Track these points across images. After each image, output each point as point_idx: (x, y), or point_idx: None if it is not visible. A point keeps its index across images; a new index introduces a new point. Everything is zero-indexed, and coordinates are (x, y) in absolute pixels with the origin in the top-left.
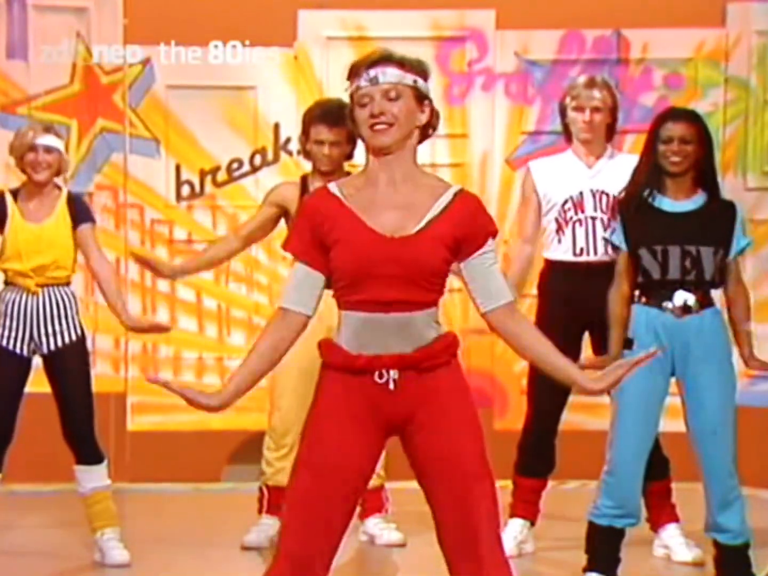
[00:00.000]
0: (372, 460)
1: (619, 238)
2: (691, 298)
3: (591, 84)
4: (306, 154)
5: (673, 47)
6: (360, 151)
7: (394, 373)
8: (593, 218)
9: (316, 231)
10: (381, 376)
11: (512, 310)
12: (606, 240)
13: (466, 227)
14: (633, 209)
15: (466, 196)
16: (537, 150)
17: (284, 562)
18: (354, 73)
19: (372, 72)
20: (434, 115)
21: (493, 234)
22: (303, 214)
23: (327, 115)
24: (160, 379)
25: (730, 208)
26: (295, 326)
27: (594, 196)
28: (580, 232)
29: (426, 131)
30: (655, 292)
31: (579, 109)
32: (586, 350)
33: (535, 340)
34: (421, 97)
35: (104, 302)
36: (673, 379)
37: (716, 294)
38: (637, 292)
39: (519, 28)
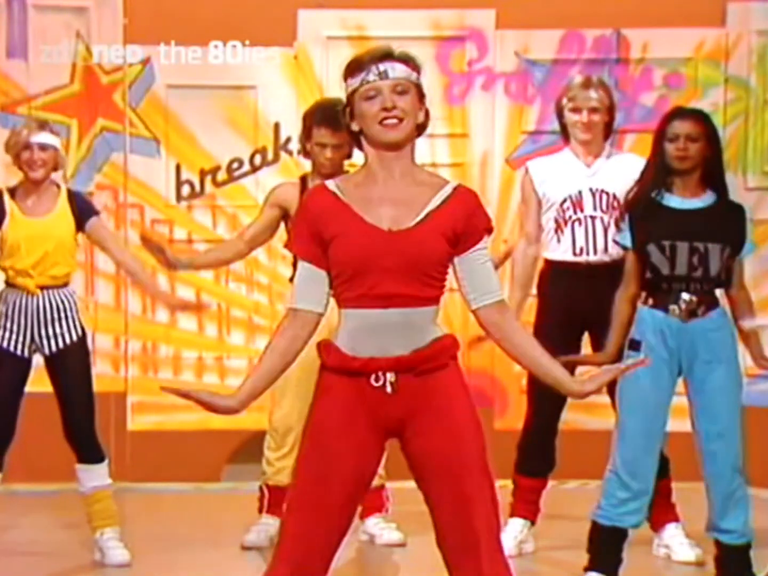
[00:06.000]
0: (372, 463)
1: (627, 239)
2: (695, 301)
3: (587, 84)
4: (306, 154)
5: (673, 47)
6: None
7: (390, 376)
8: (592, 217)
9: (315, 228)
10: (377, 379)
11: (502, 309)
12: (616, 242)
13: (464, 222)
14: (642, 208)
15: (465, 192)
16: (537, 150)
17: (284, 565)
18: (357, 68)
19: (381, 66)
20: (428, 115)
21: (489, 231)
22: (301, 212)
23: (330, 117)
24: (176, 388)
25: (738, 209)
26: (307, 325)
27: (593, 195)
28: (579, 231)
29: (419, 131)
30: (662, 292)
31: (576, 110)
32: (586, 350)
33: (523, 341)
34: (421, 95)
35: (104, 302)
36: (679, 379)
37: (718, 293)
38: (643, 293)
39: (519, 28)
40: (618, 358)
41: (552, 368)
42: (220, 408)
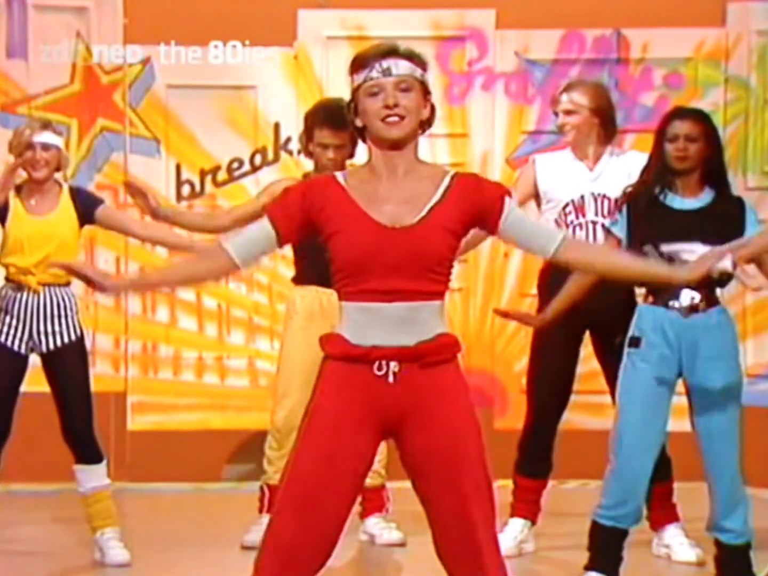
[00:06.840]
0: (366, 457)
1: (620, 229)
2: (697, 297)
3: (567, 87)
4: (308, 153)
5: (673, 47)
6: (361, 149)
7: (394, 366)
8: (594, 222)
9: (310, 212)
10: (380, 367)
11: (569, 243)
12: (605, 228)
13: (475, 204)
14: (643, 206)
15: (463, 177)
16: (537, 149)
17: (274, 555)
18: (361, 64)
19: (385, 63)
20: (433, 111)
21: (507, 194)
22: (303, 189)
23: (332, 118)
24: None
25: (737, 203)
26: (223, 269)
27: (596, 200)
28: (580, 235)
29: (424, 127)
30: (661, 290)
31: (555, 113)
32: (587, 350)
33: (604, 256)
34: (426, 92)
35: (104, 302)
36: (679, 380)
37: (719, 292)
38: (643, 291)
39: (519, 28)
40: (553, 324)
41: (645, 267)
42: (96, 284)
